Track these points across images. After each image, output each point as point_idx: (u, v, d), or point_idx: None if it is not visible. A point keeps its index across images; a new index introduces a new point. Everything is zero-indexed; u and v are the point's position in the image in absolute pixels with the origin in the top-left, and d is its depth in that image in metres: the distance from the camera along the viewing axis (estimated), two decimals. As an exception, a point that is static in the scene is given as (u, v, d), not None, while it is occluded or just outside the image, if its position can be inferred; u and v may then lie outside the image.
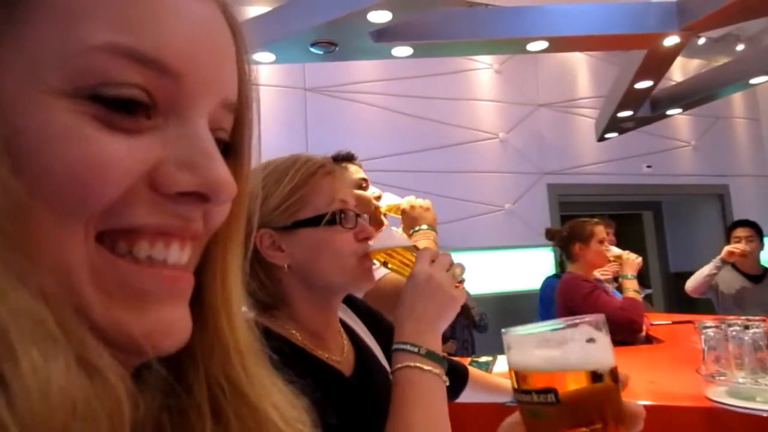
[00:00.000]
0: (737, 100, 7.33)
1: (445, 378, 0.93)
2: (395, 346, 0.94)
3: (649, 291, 4.84)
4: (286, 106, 5.01)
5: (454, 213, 5.35)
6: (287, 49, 3.09)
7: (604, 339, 0.52)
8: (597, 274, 3.29)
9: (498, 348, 0.59)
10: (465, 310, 3.28)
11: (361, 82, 5.34)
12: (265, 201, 0.97)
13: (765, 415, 1.51)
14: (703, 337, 1.79)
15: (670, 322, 3.68)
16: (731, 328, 1.71)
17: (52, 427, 0.28)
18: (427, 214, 1.74)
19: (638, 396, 1.80)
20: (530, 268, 5.65)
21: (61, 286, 0.33)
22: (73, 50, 0.32)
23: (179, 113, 0.37)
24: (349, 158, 1.89)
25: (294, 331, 0.98)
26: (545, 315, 3.67)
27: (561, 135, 6.23)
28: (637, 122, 4.77)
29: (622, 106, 4.26)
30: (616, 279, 3.52)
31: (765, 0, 2.70)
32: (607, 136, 5.05)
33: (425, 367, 0.91)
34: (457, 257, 1.03)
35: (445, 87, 5.66)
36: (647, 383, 1.99)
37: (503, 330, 0.54)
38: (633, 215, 7.65)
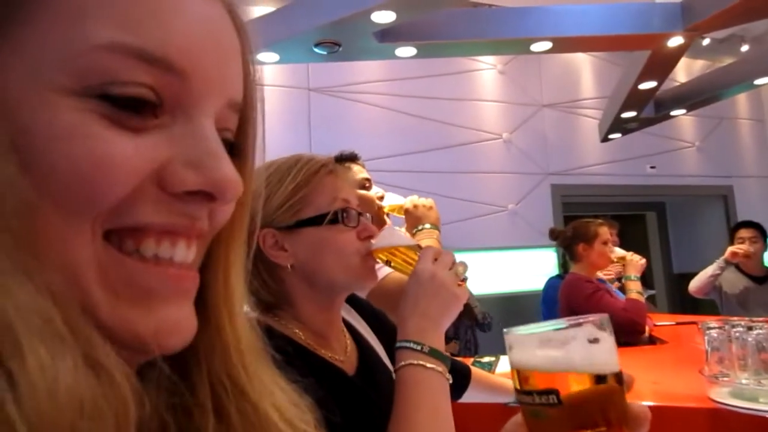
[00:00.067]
0: (742, 100, 7.31)
1: (448, 376, 0.93)
2: (398, 344, 0.94)
3: (652, 292, 4.83)
4: (290, 106, 5.01)
5: (457, 213, 5.35)
6: (291, 49, 3.09)
7: (608, 339, 0.51)
8: (600, 274, 3.29)
9: (501, 348, 0.58)
10: (468, 309, 3.27)
11: (365, 83, 5.34)
12: (267, 201, 0.97)
13: (768, 416, 1.51)
14: (706, 337, 1.78)
15: (673, 323, 3.67)
16: (735, 329, 1.71)
17: (60, 426, 0.29)
18: (430, 213, 1.74)
19: (641, 397, 1.80)
20: (533, 268, 5.64)
21: (68, 285, 0.33)
22: (79, 49, 0.33)
23: (185, 112, 0.37)
24: (352, 158, 1.89)
25: (297, 331, 0.98)
26: (548, 315, 3.67)
27: (565, 135, 6.22)
28: (641, 123, 4.76)
29: (625, 107, 4.25)
30: (619, 279, 3.52)
31: (770, 1, 2.69)
32: (610, 136, 5.04)
33: (428, 365, 0.91)
34: (460, 257, 1.03)
35: (448, 87, 5.66)
36: (650, 384, 1.99)
37: (505, 330, 0.53)
38: (636, 216, 7.63)
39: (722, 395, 1.66)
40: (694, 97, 4.43)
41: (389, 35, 3.05)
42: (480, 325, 3.45)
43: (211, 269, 0.44)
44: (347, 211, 1.00)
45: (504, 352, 0.53)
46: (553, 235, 3.49)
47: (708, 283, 4.12)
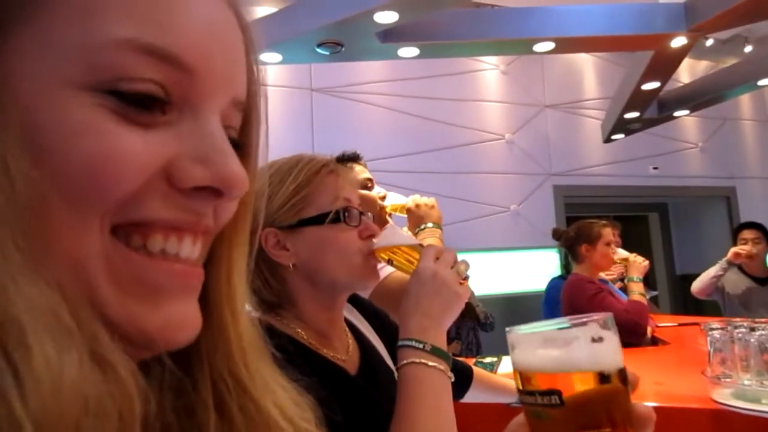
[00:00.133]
0: (745, 101, 7.30)
1: (450, 374, 0.93)
2: (400, 343, 0.94)
3: (654, 293, 4.83)
4: (293, 107, 5.02)
5: (459, 214, 5.35)
6: (294, 49, 3.10)
7: (612, 338, 0.50)
8: (602, 274, 3.29)
9: (503, 349, 0.57)
10: (470, 308, 3.28)
11: (368, 83, 5.34)
12: (269, 200, 0.98)
13: (771, 417, 1.51)
14: (708, 338, 1.78)
15: (676, 324, 3.67)
16: (737, 330, 1.70)
17: (65, 423, 0.29)
18: (432, 212, 1.74)
19: (644, 397, 1.80)
20: (536, 269, 5.64)
21: (76, 279, 0.33)
22: (91, 44, 0.33)
23: (193, 109, 0.37)
24: (354, 158, 1.89)
25: (299, 330, 0.98)
26: (550, 316, 3.63)
27: (567, 136, 6.21)
28: (644, 123, 4.76)
29: (628, 108, 4.24)
30: (621, 279, 3.51)
31: (773, 1, 2.69)
32: (613, 137, 5.03)
33: (430, 363, 0.91)
34: (462, 257, 1.03)
35: (451, 88, 5.66)
36: (653, 385, 1.99)
37: (507, 329, 0.53)
38: (639, 217, 7.62)
39: (725, 396, 1.66)
40: (698, 97, 4.43)
41: (392, 35, 3.05)
42: (482, 325, 3.45)
43: (214, 267, 0.44)
44: (349, 210, 1.00)
45: (506, 353, 0.52)
46: (556, 235, 3.48)
47: (710, 284, 4.12)
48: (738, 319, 1.81)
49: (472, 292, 2.96)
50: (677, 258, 7.47)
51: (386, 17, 2.71)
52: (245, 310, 0.47)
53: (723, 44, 6.35)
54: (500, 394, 1.45)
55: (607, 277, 3.42)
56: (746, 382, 1.64)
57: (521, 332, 0.52)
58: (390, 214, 1.83)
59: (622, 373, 0.49)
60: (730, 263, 4.05)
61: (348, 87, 5.26)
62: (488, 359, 2.41)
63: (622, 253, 3.24)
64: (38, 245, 0.31)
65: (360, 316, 1.20)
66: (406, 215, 1.80)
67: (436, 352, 0.92)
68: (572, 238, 3.23)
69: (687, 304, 6.56)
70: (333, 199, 0.99)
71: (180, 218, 0.37)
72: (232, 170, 0.37)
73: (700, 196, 7.11)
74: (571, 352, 0.49)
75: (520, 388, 0.52)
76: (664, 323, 3.59)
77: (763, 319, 2.05)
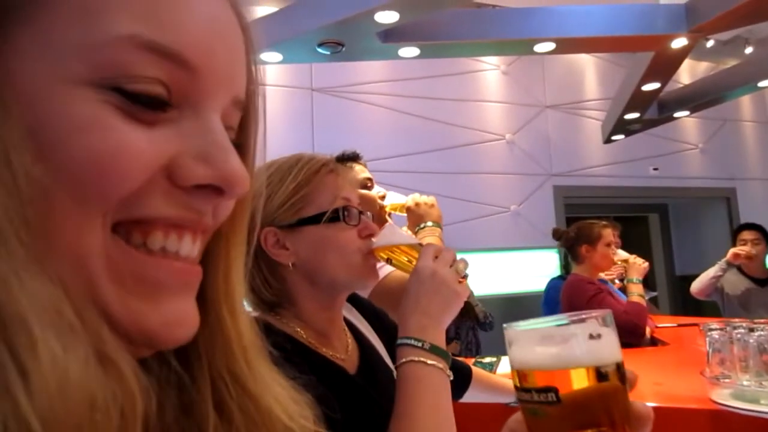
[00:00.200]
0: (745, 102, 7.30)
1: (449, 372, 0.93)
2: (399, 341, 0.94)
3: (654, 294, 4.83)
4: (293, 107, 5.02)
5: (459, 214, 5.35)
6: (294, 49, 3.10)
7: (610, 335, 0.49)
8: (602, 274, 3.29)
9: (502, 349, 0.57)
10: (469, 308, 3.27)
11: (368, 83, 5.34)
12: (268, 200, 0.98)
13: (769, 417, 1.51)
14: (707, 339, 1.78)
15: (675, 324, 3.67)
16: (736, 331, 1.70)
17: (70, 420, 0.29)
18: (432, 210, 1.75)
19: (643, 398, 1.80)
20: (535, 269, 5.64)
21: (78, 276, 0.33)
22: (96, 40, 0.33)
23: (194, 107, 0.37)
24: (354, 158, 1.90)
25: (299, 329, 0.99)
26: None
27: (568, 137, 6.21)
28: (644, 124, 4.76)
29: (629, 108, 4.25)
30: (621, 279, 3.52)
31: (774, 2, 2.69)
32: (613, 138, 5.04)
33: (429, 362, 0.91)
34: (461, 257, 1.03)
35: (451, 88, 5.66)
36: (652, 385, 1.99)
37: (505, 325, 0.52)
38: (639, 218, 7.62)
39: (723, 397, 1.66)
40: (698, 98, 4.43)
41: (392, 35, 3.05)
42: (481, 325, 3.45)
43: (212, 265, 0.44)
44: (348, 209, 1.00)
45: (505, 353, 0.52)
46: (557, 235, 3.48)
47: (710, 285, 4.12)
48: (737, 320, 1.81)
49: (471, 292, 2.97)
50: (677, 259, 7.47)
51: (387, 17, 2.71)
52: (244, 308, 0.47)
53: (723, 45, 6.35)
54: (499, 394, 1.45)
55: (606, 277, 3.43)
56: (745, 383, 1.64)
57: (519, 329, 0.52)
58: (390, 214, 1.84)
59: (620, 371, 0.49)
60: (729, 264, 4.05)
61: (348, 87, 5.26)
62: (487, 359, 2.41)
63: (622, 254, 3.24)
64: (41, 241, 0.31)
65: (359, 315, 1.20)
66: (405, 214, 1.80)
67: (435, 350, 0.92)
68: (572, 238, 3.23)
69: (686, 305, 6.56)
70: (332, 199, 0.99)
71: (181, 216, 0.37)
72: (234, 169, 0.38)
73: (700, 197, 7.11)
74: (569, 348, 0.48)
75: (517, 385, 0.51)
76: (663, 324, 3.59)
77: (762, 320, 2.05)
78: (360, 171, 1.87)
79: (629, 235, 4.44)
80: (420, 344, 0.92)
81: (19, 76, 0.32)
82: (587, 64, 6.43)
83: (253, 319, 0.48)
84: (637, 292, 3.00)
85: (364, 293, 1.35)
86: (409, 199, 1.79)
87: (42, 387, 0.28)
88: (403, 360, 0.92)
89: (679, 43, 3.19)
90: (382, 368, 1.09)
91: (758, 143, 7.37)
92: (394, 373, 0.94)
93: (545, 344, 0.50)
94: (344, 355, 1.03)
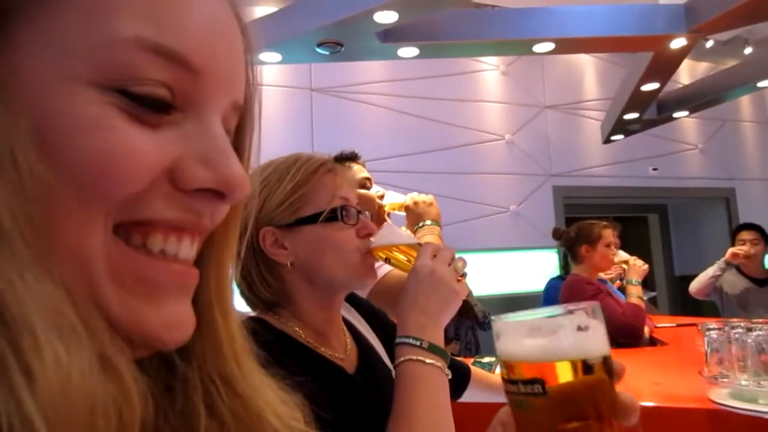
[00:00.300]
0: (745, 103, 7.30)
1: (447, 371, 0.93)
2: (398, 340, 0.94)
3: (653, 294, 4.83)
4: (292, 107, 5.02)
5: (459, 214, 5.35)
6: (294, 49, 3.10)
7: (598, 327, 0.49)
8: (601, 274, 3.30)
9: None
10: (468, 307, 3.27)
11: (367, 83, 5.34)
12: (267, 199, 0.98)
13: (767, 417, 1.51)
14: (706, 339, 1.78)
15: (674, 324, 3.67)
16: (734, 330, 1.70)
17: (73, 422, 0.29)
18: (430, 209, 1.75)
19: (642, 397, 1.80)
20: (535, 269, 5.64)
21: (79, 277, 0.33)
22: (101, 41, 0.33)
23: (196, 110, 0.37)
24: (353, 158, 1.90)
25: (297, 329, 0.99)
26: (549, 316, 3.66)
27: (567, 137, 6.22)
28: (644, 124, 4.77)
29: (628, 108, 4.25)
30: (621, 279, 3.52)
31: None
32: (613, 138, 5.04)
33: (428, 361, 0.91)
34: (460, 257, 1.03)
35: (451, 88, 5.66)
36: (651, 385, 1.99)
37: (493, 317, 0.52)
38: (638, 218, 7.62)
39: (722, 396, 1.66)
40: (697, 98, 4.43)
41: (392, 35, 3.05)
42: (480, 324, 3.45)
43: (204, 268, 0.44)
44: (346, 208, 1.00)
45: None
46: (557, 234, 3.48)
47: (708, 285, 4.12)
48: (735, 320, 1.81)
49: (471, 291, 2.97)
50: (676, 259, 7.47)
51: (386, 17, 2.71)
52: (235, 311, 0.47)
53: (723, 46, 6.36)
54: (498, 394, 1.44)
55: (605, 277, 3.43)
56: (743, 383, 1.64)
57: (507, 321, 0.52)
58: (389, 213, 1.84)
59: (607, 363, 0.49)
60: (728, 263, 4.06)
61: (348, 87, 5.27)
62: (486, 359, 2.41)
63: (623, 255, 3.25)
64: (44, 241, 0.31)
65: (358, 315, 1.20)
66: (404, 213, 1.80)
67: (433, 349, 0.92)
68: (572, 238, 3.23)
69: (686, 305, 6.57)
70: (330, 198, 0.99)
71: (181, 218, 0.37)
72: (235, 173, 0.38)
73: (699, 198, 7.11)
74: (556, 340, 0.48)
75: (504, 376, 0.51)
76: (662, 324, 3.59)
77: (761, 320, 2.05)
78: (358, 170, 1.87)
79: (629, 235, 4.45)
80: (418, 343, 0.92)
81: (24, 74, 0.32)
82: (587, 64, 6.43)
83: (242, 322, 0.48)
84: (636, 294, 3.01)
85: (363, 293, 1.35)
86: (408, 198, 1.79)
87: (46, 388, 0.28)
88: (402, 359, 0.92)
89: (678, 43, 3.19)
90: (381, 368, 1.09)
91: (758, 143, 7.37)
92: (393, 372, 0.94)
93: (533, 336, 0.50)
94: (343, 354, 1.03)
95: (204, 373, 0.43)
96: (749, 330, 1.69)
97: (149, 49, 0.34)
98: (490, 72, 5.93)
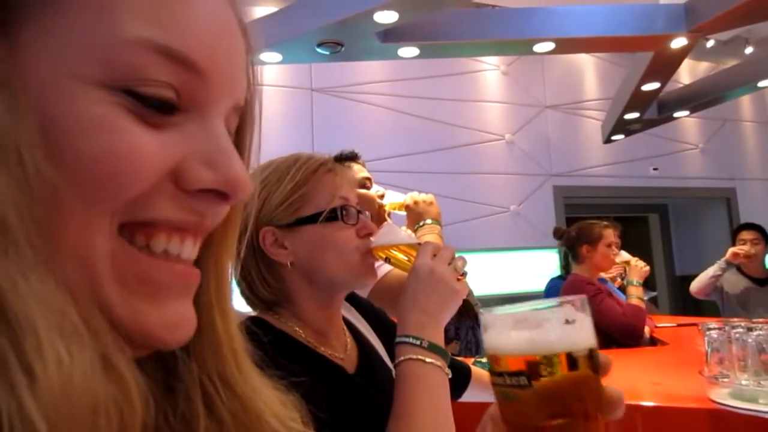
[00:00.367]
0: (745, 102, 7.30)
1: (447, 370, 0.93)
2: (398, 339, 0.94)
3: (654, 294, 4.83)
4: (293, 107, 5.02)
5: (459, 214, 5.35)
6: (294, 49, 3.10)
7: (585, 320, 0.49)
8: (602, 273, 3.30)
9: None
10: (468, 307, 3.27)
11: (368, 83, 5.35)
12: (267, 199, 0.98)
13: (767, 417, 1.51)
14: (706, 338, 1.78)
15: (674, 324, 3.67)
16: (735, 330, 1.70)
17: (74, 424, 0.29)
18: (430, 208, 1.75)
19: (642, 397, 1.80)
20: (535, 269, 5.64)
21: (83, 277, 0.33)
22: (109, 41, 0.33)
23: (200, 111, 0.37)
24: (353, 157, 1.90)
25: (297, 329, 0.99)
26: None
27: (567, 137, 6.22)
28: (644, 124, 4.77)
29: (629, 108, 4.25)
30: (622, 278, 3.52)
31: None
32: (613, 138, 5.04)
33: (427, 360, 0.91)
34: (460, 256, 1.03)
35: (451, 88, 5.66)
36: (651, 385, 1.99)
37: (481, 310, 0.52)
38: (639, 218, 7.63)
39: (722, 396, 1.65)
40: (698, 98, 4.43)
41: (392, 35, 3.05)
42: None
43: (203, 268, 0.44)
44: (346, 208, 1.00)
45: None
46: (558, 234, 3.48)
47: (709, 284, 4.12)
48: (736, 320, 1.80)
49: (471, 291, 2.97)
50: (677, 259, 7.47)
51: (386, 17, 2.71)
52: (234, 311, 0.47)
53: (723, 45, 6.35)
54: (498, 394, 1.45)
55: (606, 276, 3.43)
56: (743, 382, 1.64)
57: (494, 313, 0.52)
58: (389, 213, 1.84)
59: (593, 356, 0.48)
60: (728, 263, 4.06)
61: (348, 87, 5.27)
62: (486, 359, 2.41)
63: (624, 255, 3.24)
64: (48, 241, 0.31)
65: (358, 314, 1.20)
66: (404, 213, 1.81)
67: (433, 348, 0.92)
68: (573, 238, 3.23)
69: (686, 305, 6.57)
70: (330, 198, 0.99)
71: (184, 219, 0.37)
72: (238, 174, 0.38)
73: (700, 198, 7.11)
74: (542, 333, 0.48)
75: (491, 369, 0.51)
76: (663, 324, 3.59)
77: (761, 320, 2.05)
78: (358, 170, 1.87)
79: (629, 235, 4.45)
80: (418, 342, 0.92)
81: (29, 72, 0.32)
82: (587, 64, 6.43)
83: (242, 322, 0.48)
84: (636, 295, 3.01)
85: (363, 292, 1.35)
86: (408, 198, 1.79)
87: (47, 389, 0.28)
88: (402, 358, 0.92)
89: (678, 43, 3.19)
90: (381, 367, 1.09)
91: (758, 143, 7.37)
92: (393, 372, 0.94)
93: (519, 329, 0.50)
94: (343, 354, 1.03)
95: (203, 373, 0.43)
96: (749, 330, 1.68)
97: (156, 50, 0.34)
98: (490, 72, 5.93)
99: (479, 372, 1.44)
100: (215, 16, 0.38)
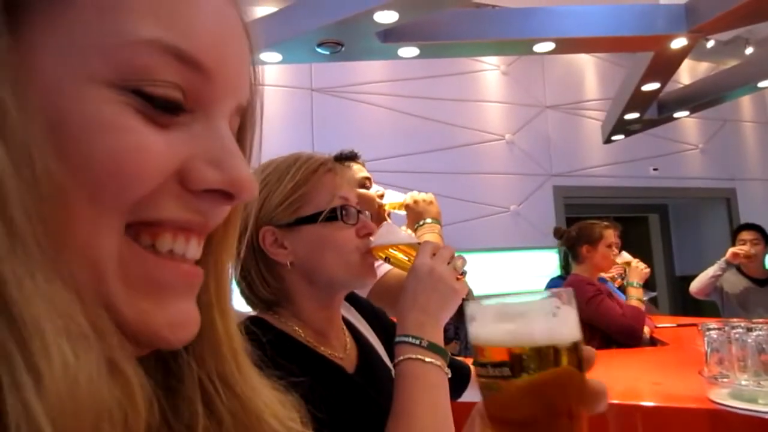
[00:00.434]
0: (746, 103, 7.31)
1: (447, 370, 0.93)
2: (397, 339, 0.94)
3: (653, 294, 4.83)
4: (293, 107, 5.02)
5: (459, 214, 5.35)
6: (294, 49, 3.10)
7: (569, 312, 0.49)
8: (602, 273, 3.30)
9: None
10: (469, 307, 3.27)
11: (368, 83, 5.35)
12: (267, 199, 0.98)
13: (767, 417, 1.51)
14: (706, 339, 1.78)
15: (674, 325, 3.67)
16: (734, 330, 1.70)
17: (80, 426, 0.29)
18: (430, 207, 1.75)
19: (642, 397, 1.80)
20: (535, 269, 5.64)
21: (89, 277, 0.33)
22: (117, 41, 0.33)
23: (205, 111, 0.38)
24: (353, 157, 1.90)
25: (297, 328, 0.99)
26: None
27: (567, 137, 6.22)
28: (644, 124, 4.77)
29: (629, 108, 4.25)
30: (622, 277, 3.52)
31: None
32: (613, 138, 5.04)
33: (427, 359, 0.91)
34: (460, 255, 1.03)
35: (451, 88, 5.66)
36: (651, 385, 1.99)
37: (467, 302, 0.52)
38: (639, 218, 7.63)
39: (722, 396, 1.65)
40: (698, 99, 4.43)
41: (392, 35, 3.05)
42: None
43: (203, 267, 0.44)
44: (346, 208, 1.00)
45: None
46: (558, 234, 3.48)
47: (709, 284, 4.13)
48: (735, 320, 1.80)
49: (471, 291, 2.97)
50: (677, 259, 7.47)
51: (386, 17, 2.71)
52: (233, 310, 0.47)
53: (724, 46, 6.35)
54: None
55: (605, 276, 3.43)
56: (743, 383, 1.64)
57: (478, 304, 0.52)
58: (389, 213, 1.84)
59: (577, 349, 0.48)
60: (728, 263, 4.06)
61: (348, 87, 5.27)
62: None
63: (625, 256, 3.24)
64: (58, 240, 0.31)
65: (358, 314, 1.20)
66: (404, 212, 1.81)
67: (432, 348, 0.92)
68: (573, 238, 3.23)
69: (686, 306, 6.57)
70: (330, 198, 0.99)
71: (189, 219, 0.38)
72: (243, 174, 0.38)
73: (700, 198, 7.11)
74: (526, 325, 0.48)
75: (474, 359, 0.51)
76: (662, 324, 3.59)
77: (761, 320, 2.05)
78: (358, 170, 1.87)
79: (629, 235, 4.45)
80: (418, 342, 0.92)
81: (37, 70, 0.32)
82: (587, 64, 6.43)
83: (241, 322, 0.48)
84: (636, 296, 3.01)
85: (363, 292, 1.35)
86: (408, 197, 1.79)
87: (53, 391, 0.28)
88: (401, 357, 0.92)
89: (678, 43, 3.19)
90: (381, 367, 1.09)
91: (758, 144, 7.37)
92: (393, 372, 0.94)
93: (503, 320, 0.49)
94: (343, 354, 1.03)
95: (203, 373, 0.43)
96: (749, 330, 1.68)
97: (164, 51, 0.34)
98: (490, 72, 5.93)
99: (479, 372, 1.44)
100: (220, 15, 0.38)
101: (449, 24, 3.16)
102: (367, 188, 1.85)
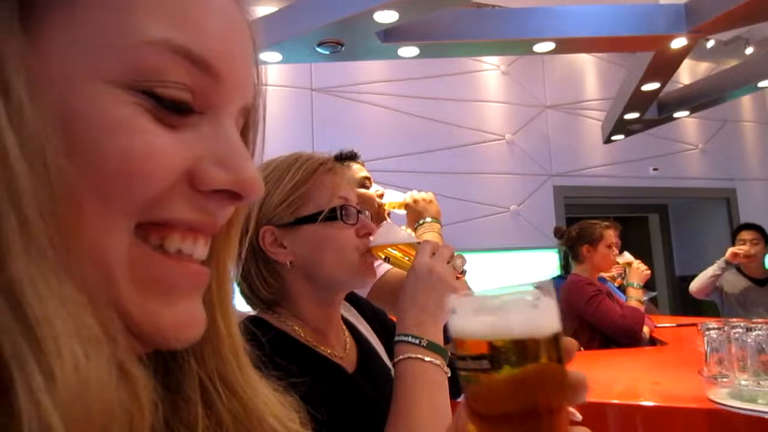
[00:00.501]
0: (746, 103, 7.30)
1: (446, 369, 0.93)
2: (397, 338, 0.94)
3: (653, 294, 4.83)
4: (293, 107, 5.02)
5: (459, 214, 5.35)
6: (294, 48, 3.10)
7: (550, 304, 0.48)
8: (602, 273, 3.30)
9: None
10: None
11: (368, 83, 5.34)
12: (267, 198, 0.98)
13: (767, 417, 1.51)
14: (705, 338, 1.78)
15: (674, 324, 3.67)
16: (734, 330, 1.70)
17: (89, 426, 0.29)
18: (430, 206, 1.75)
19: (642, 397, 1.80)
20: (535, 269, 5.63)
21: (99, 276, 0.33)
22: (129, 42, 0.33)
23: (214, 112, 0.38)
24: (352, 157, 1.90)
25: (297, 328, 0.99)
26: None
27: (568, 137, 6.21)
28: (644, 124, 4.76)
29: (629, 108, 4.25)
30: (621, 277, 3.52)
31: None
32: (613, 138, 5.04)
33: (426, 358, 0.91)
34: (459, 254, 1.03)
35: (451, 88, 5.66)
36: (651, 385, 1.99)
37: (450, 296, 0.51)
38: (639, 218, 7.62)
39: (721, 396, 1.65)
40: (698, 99, 4.43)
41: (392, 35, 3.05)
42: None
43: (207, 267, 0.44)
44: (346, 208, 1.00)
45: None
46: (558, 233, 3.48)
47: (708, 284, 4.13)
48: (735, 320, 1.80)
49: (471, 290, 2.97)
50: (677, 259, 7.47)
51: (386, 17, 2.71)
52: (234, 311, 0.47)
53: (724, 46, 6.35)
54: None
55: (605, 275, 3.43)
56: (743, 382, 1.64)
57: (459, 296, 0.51)
58: (389, 212, 1.84)
59: (557, 341, 0.48)
60: (728, 263, 4.06)
61: (348, 87, 5.27)
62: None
63: (627, 257, 3.25)
64: (69, 240, 0.31)
65: (357, 314, 1.21)
66: (404, 212, 1.81)
67: (432, 347, 0.92)
68: (574, 237, 3.24)
69: (686, 306, 6.56)
70: (330, 198, 1.00)
71: (198, 219, 0.38)
72: (251, 175, 0.38)
73: (700, 198, 7.10)
74: (505, 317, 0.47)
75: (454, 353, 0.50)
76: (662, 324, 3.59)
77: (761, 320, 2.05)
78: (358, 170, 1.87)
79: (629, 235, 4.45)
80: (417, 341, 0.92)
81: (52, 67, 0.32)
82: (587, 64, 6.43)
83: (241, 321, 0.48)
84: (635, 297, 3.01)
85: (363, 292, 1.36)
86: (407, 196, 1.79)
87: (64, 392, 0.28)
88: (401, 356, 0.92)
89: (678, 43, 3.19)
90: (381, 367, 1.09)
91: (758, 144, 7.37)
92: (392, 371, 0.94)
93: (483, 312, 0.49)
94: (342, 353, 1.03)
95: (203, 373, 0.43)
96: (749, 330, 1.68)
97: (176, 53, 0.34)
98: (490, 72, 5.93)
99: (479, 372, 1.44)
100: (227, 16, 0.38)
101: (449, 24, 3.16)
102: (367, 188, 1.85)
